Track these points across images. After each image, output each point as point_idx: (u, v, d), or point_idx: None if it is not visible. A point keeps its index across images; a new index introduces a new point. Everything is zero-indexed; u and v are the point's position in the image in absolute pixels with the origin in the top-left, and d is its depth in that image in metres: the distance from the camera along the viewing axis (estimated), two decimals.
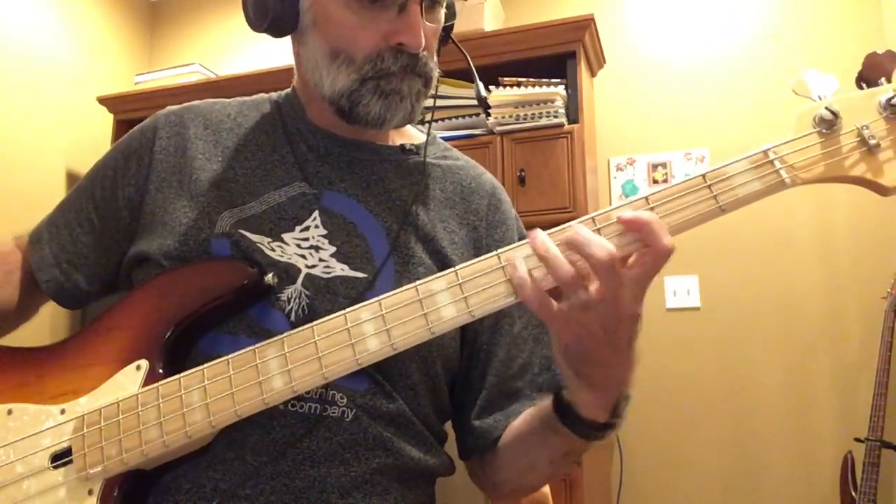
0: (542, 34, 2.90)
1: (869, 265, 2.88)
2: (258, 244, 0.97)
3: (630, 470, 3.02)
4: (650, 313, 3.05)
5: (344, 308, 0.85)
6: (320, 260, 0.97)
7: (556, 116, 2.80)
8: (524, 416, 1.02)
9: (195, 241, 0.98)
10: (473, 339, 1.07)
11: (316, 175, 1.04)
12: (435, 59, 1.03)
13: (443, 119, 2.94)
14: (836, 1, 3.08)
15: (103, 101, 3.62)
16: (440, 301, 0.81)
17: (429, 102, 1.05)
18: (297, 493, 0.89)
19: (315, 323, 0.84)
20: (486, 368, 1.06)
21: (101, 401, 0.90)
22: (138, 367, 0.91)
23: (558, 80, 2.85)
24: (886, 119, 0.77)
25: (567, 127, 2.80)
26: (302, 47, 1.04)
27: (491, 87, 2.87)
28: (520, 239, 1.12)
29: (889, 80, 0.78)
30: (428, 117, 1.14)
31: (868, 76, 0.79)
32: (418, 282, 0.82)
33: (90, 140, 3.64)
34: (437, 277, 0.82)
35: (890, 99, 0.76)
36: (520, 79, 2.86)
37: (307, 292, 0.94)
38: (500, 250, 0.80)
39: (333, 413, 0.91)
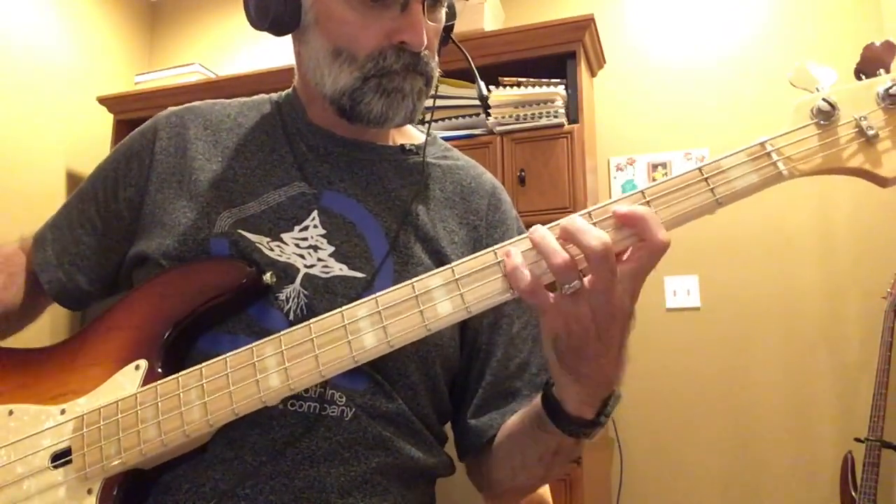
0: (542, 34, 2.90)
1: (869, 265, 2.87)
2: (257, 244, 0.97)
3: (630, 470, 3.02)
4: (650, 313, 3.06)
5: None
6: (319, 260, 0.97)
7: (556, 116, 2.80)
8: (518, 415, 1.01)
9: (194, 240, 0.98)
10: (473, 338, 1.07)
11: (315, 175, 1.04)
12: (436, 58, 1.03)
13: (443, 119, 2.94)
14: (836, 1, 3.08)
15: (103, 101, 3.62)
16: (436, 297, 0.80)
17: (429, 102, 1.05)
18: (296, 492, 0.88)
19: (312, 321, 0.84)
20: (483, 368, 1.06)
21: (101, 400, 0.90)
22: (137, 367, 0.91)
23: (558, 80, 2.85)
24: (885, 109, 0.76)
25: (567, 127, 2.80)
26: (303, 46, 1.04)
27: (491, 87, 2.87)
28: None
29: (887, 71, 0.78)
30: (428, 117, 1.14)
31: (866, 67, 0.79)
32: (414, 279, 0.82)
33: (90, 140, 3.64)
34: (433, 274, 0.82)
35: (888, 89, 0.76)
36: (520, 79, 2.86)
37: (306, 292, 0.95)
38: (496, 246, 0.80)
39: (332, 412, 0.91)
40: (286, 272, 0.95)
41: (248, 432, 0.89)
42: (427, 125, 1.14)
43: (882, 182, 0.76)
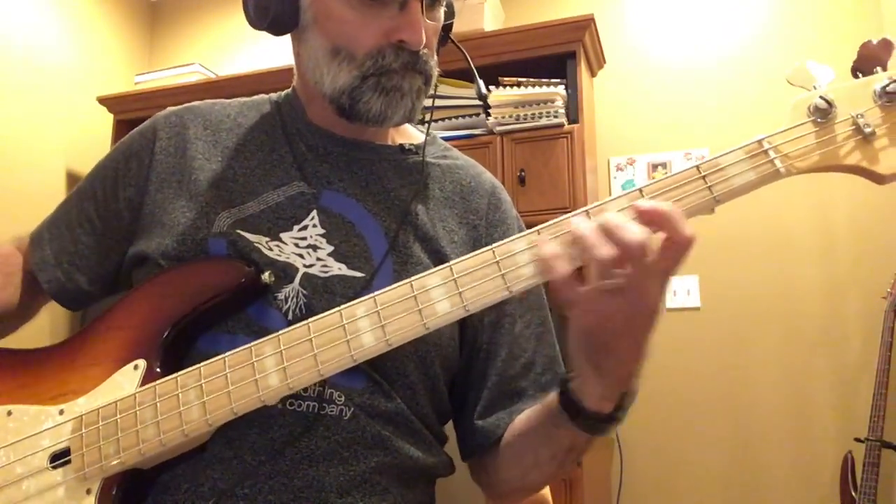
0: (542, 34, 2.90)
1: (869, 265, 2.88)
2: (256, 244, 0.97)
3: (630, 470, 3.02)
4: None
5: None
6: (318, 259, 0.97)
7: (556, 116, 2.80)
8: (527, 414, 1.01)
9: (193, 240, 0.98)
10: (473, 337, 1.06)
11: (315, 174, 1.04)
12: (435, 57, 1.03)
13: (443, 119, 2.94)
14: (836, 1, 3.08)
15: (103, 101, 3.63)
16: (435, 296, 0.80)
17: (428, 102, 1.05)
18: (295, 492, 0.88)
19: (310, 320, 0.84)
20: (487, 368, 1.06)
21: (100, 401, 0.90)
22: (136, 367, 0.91)
23: (558, 80, 2.85)
24: (881, 107, 0.76)
25: (567, 127, 2.81)
26: (302, 45, 1.04)
27: (491, 87, 2.87)
28: None
29: (884, 69, 0.78)
30: (427, 117, 1.14)
31: (863, 65, 0.79)
32: (413, 277, 0.82)
33: (90, 140, 3.65)
34: (431, 273, 0.82)
35: (885, 87, 0.76)
36: (520, 79, 2.87)
37: (305, 291, 0.94)
38: (495, 244, 0.80)
39: (331, 411, 0.91)
40: (285, 272, 0.95)
41: (247, 432, 0.89)
42: (427, 125, 1.14)
43: (879, 179, 0.76)
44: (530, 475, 1.01)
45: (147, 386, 0.88)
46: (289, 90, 1.15)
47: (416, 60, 0.98)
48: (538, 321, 1.10)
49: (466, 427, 1.07)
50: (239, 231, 0.98)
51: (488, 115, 2.87)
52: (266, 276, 0.93)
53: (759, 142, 0.77)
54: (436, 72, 1.03)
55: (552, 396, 0.91)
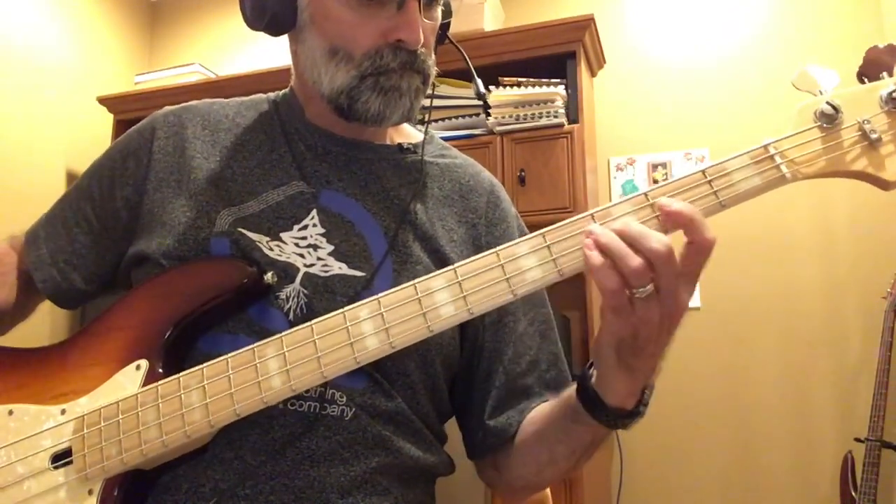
0: (542, 34, 2.91)
1: (869, 265, 2.88)
2: (257, 243, 0.97)
3: (630, 470, 3.02)
4: None
5: (342, 307, 0.85)
6: (318, 259, 0.97)
7: (556, 116, 2.80)
8: (541, 412, 1.01)
9: (194, 240, 0.98)
10: (474, 337, 1.06)
11: (314, 174, 1.04)
12: (433, 56, 1.03)
13: (443, 119, 2.94)
14: (836, 1, 3.08)
15: (103, 101, 3.63)
16: (439, 299, 0.80)
17: (426, 101, 1.05)
18: (296, 492, 0.88)
19: (314, 322, 0.84)
20: (493, 367, 1.06)
21: (101, 401, 0.90)
22: (138, 367, 0.91)
23: (558, 80, 2.85)
24: (888, 113, 0.76)
25: (567, 127, 2.81)
26: (300, 45, 1.04)
27: (491, 87, 2.87)
28: (521, 236, 1.12)
29: (890, 74, 0.78)
30: (426, 117, 1.14)
31: (869, 70, 0.79)
32: (417, 280, 0.82)
33: (90, 140, 3.65)
34: (435, 275, 0.81)
35: (891, 93, 0.76)
36: (520, 79, 2.87)
37: (305, 291, 0.94)
38: (498, 248, 0.80)
39: (333, 412, 0.91)
40: (286, 271, 0.95)
41: (248, 432, 0.89)
42: (425, 124, 1.14)
43: (884, 185, 0.77)
44: (546, 471, 1.01)
45: (149, 386, 0.88)
46: (286, 90, 1.15)
47: (414, 60, 0.98)
48: (541, 319, 1.10)
49: (476, 427, 1.07)
50: (240, 230, 0.98)
51: (488, 115, 2.87)
52: (269, 277, 0.93)
53: (766, 147, 0.77)
54: (434, 71, 1.03)
55: (569, 394, 0.91)
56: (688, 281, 0.76)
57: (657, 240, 0.73)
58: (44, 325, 3.24)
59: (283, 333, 0.84)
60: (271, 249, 0.97)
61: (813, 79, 0.80)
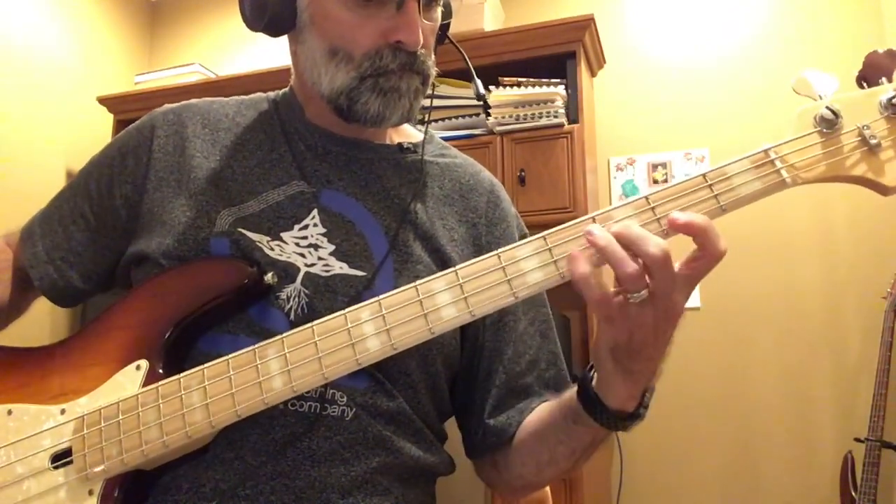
0: (542, 34, 2.91)
1: (869, 265, 2.88)
2: (257, 243, 0.97)
3: (630, 470, 3.02)
4: None
5: (343, 306, 0.85)
6: (319, 258, 0.97)
7: (556, 116, 2.80)
8: (541, 412, 1.01)
9: (194, 240, 0.98)
10: (474, 336, 1.06)
11: (314, 173, 1.04)
12: (432, 57, 1.03)
13: (443, 119, 2.94)
14: (836, 1, 3.08)
15: (103, 101, 3.63)
16: (440, 301, 0.80)
17: (426, 102, 1.05)
18: (297, 493, 0.88)
19: (315, 323, 0.84)
20: (493, 366, 1.06)
21: (101, 401, 0.90)
22: (138, 367, 0.91)
23: (558, 80, 2.85)
24: (887, 118, 0.76)
25: (567, 127, 2.81)
26: (299, 46, 1.04)
27: (491, 87, 2.87)
28: (521, 236, 1.12)
29: (889, 80, 0.78)
30: (426, 116, 1.14)
31: (868, 75, 0.79)
32: (418, 281, 0.82)
33: (90, 140, 3.64)
34: (436, 277, 0.82)
35: (891, 98, 0.76)
36: (520, 79, 2.87)
37: (306, 291, 0.94)
38: (500, 250, 0.80)
39: (333, 412, 0.91)
40: (287, 271, 0.95)
41: (249, 432, 0.89)
42: (425, 124, 1.15)
43: (883, 191, 0.77)
44: (545, 471, 1.01)
45: (150, 387, 0.88)
46: (286, 89, 1.15)
47: (414, 61, 0.98)
48: (541, 318, 1.10)
49: (475, 426, 1.07)
50: (241, 230, 0.98)
51: (488, 115, 2.87)
52: (269, 277, 0.93)
53: (766, 151, 0.77)
54: (433, 72, 1.02)
55: (570, 395, 0.91)
56: (687, 285, 0.76)
57: (655, 244, 0.73)
58: (44, 324, 3.23)
59: (285, 334, 0.84)
60: (272, 249, 0.97)
61: (813, 83, 0.80)
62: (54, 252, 1.10)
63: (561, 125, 2.80)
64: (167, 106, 1.13)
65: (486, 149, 2.85)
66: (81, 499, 0.87)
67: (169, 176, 1.04)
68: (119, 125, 3.58)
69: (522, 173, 2.78)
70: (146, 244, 1.01)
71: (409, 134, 1.16)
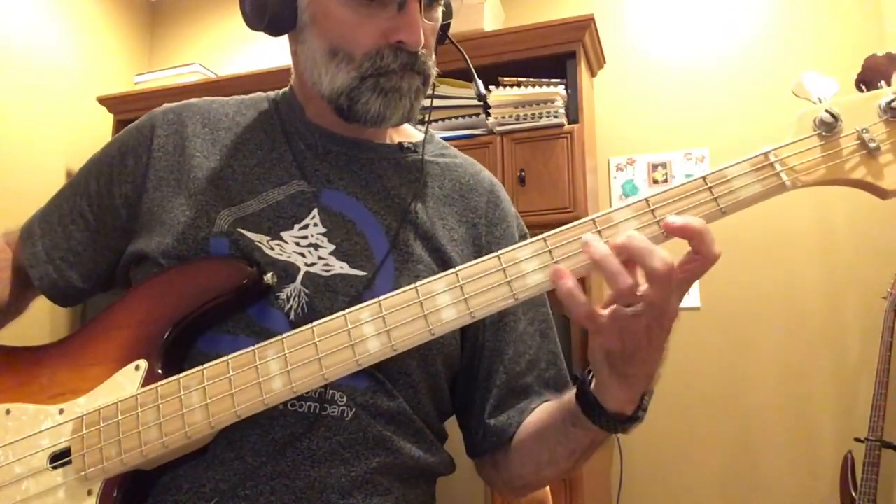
0: (542, 34, 2.90)
1: (869, 265, 2.88)
2: (257, 243, 0.97)
3: (630, 470, 3.02)
4: None
5: (344, 306, 0.85)
6: (319, 258, 0.97)
7: (556, 116, 2.80)
8: (541, 412, 1.02)
9: (194, 239, 0.98)
10: (474, 336, 1.06)
11: (314, 173, 1.04)
12: (433, 57, 1.03)
13: (443, 119, 2.94)
14: (836, 1, 3.08)
15: (103, 101, 3.62)
16: (441, 302, 0.80)
17: (426, 102, 1.05)
18: (297, 493, 0.88)
19: (315, 324, 0.84)
20: (493, 366, 1.06)
21: (100, 401, 0.90)
22: (137, 367, 0.91)
23: (558, 80, 2.85)
24: (886, 122, 0.77)
25: (567, 127, 2.80)
26: (300, 46, 1.04)
27: (491, 87, 2.86)
28: (521, 236, 1.12)
29: (889, 83, 0.78)
30: (426, 116, 1.14)
31: (867, 78, 0.79)
32: (419, 283, 0.82)
33: (90, 140, 3.63)
34: (437, 278, 0.82)
35: (890, 102, 0.76)
36: (520, 79, 2.86)
37: (307, 291, 0.94)
38: (500, 251, 0.80)
39: (333, 412, 0.91)
40: (287, 271, 0.95)
41: (249, 433, 0.89)
42: (426, 124, 1.15)
43: (882, 194, 0.77)
44: (545, 471, 1.01)
45: (149, 387, 0.88)
46: (286, 89, 1.15)
47: (415, 61, 0.98)
48: (541, 318, 1.10)
49: (476, 426, 1.07)
50: (240, 230, 0.98)
51: (488, 115, 2.87)
52: (269, 277, 0.93)
53: (766, 154, 0.78)
54: (434, 72, 1.02)
55: (569, 398, 0.91)
56: (681, 289, 0.76)
57: (660, 258, 0.72)
58: (44, 324, 3.23)
59: (284, 335, 0.85)
60: (272, 249, 0.97)
61: (812, 86, 0.80)
62: (54, 252, 1.10)
63: (561, 125, 2.80)
64: (167, 105, 1.12)
65: (486, 149, 2.84)
66: (80, 499, 0.87)
67: (169, 175, 1.04)
68: (119, 125, 3.58)
69: (522, 173, 2.78)
70: (145, 244, 1.01)
71: (409, 134, 1.16)
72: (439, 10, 1.03)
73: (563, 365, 1.11)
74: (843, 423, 2.84)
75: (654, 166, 3.23)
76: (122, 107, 3.60)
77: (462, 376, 1.08)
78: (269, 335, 0.86)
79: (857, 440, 2.63)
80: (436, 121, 2.91)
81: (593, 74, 3.16)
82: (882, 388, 2.59)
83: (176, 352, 0.92)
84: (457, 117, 2.94)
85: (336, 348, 0.82)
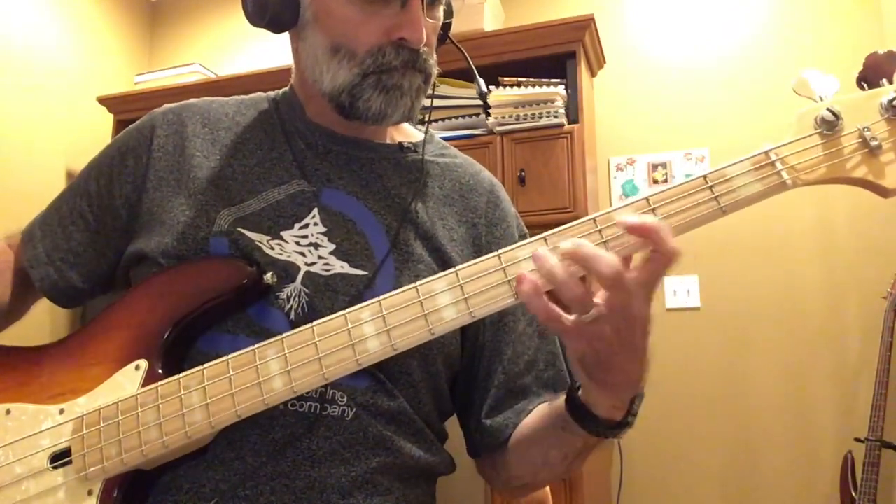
0: (542, 34, 2.90)
1: (869, 265, 2.88)
2: (257, 242, 0.97)
3: (630, 470, 3.02)
4: None
5: (344, 306, 0.85)
6: (319, 257, 0.97)
7: (556, 116, 2.80)
8: (537, 414, 1.01)
9: (193, 239, 0.98)
10: (474, 336, 1.06)
11: (315, 172, 1.04)
12: (434, 56, 1.03)
13: (443, 119, 2.94)
14: (836, 1, 3.08)
15: (103, 101, 3.62)
16: (441, 302, 0.80)
17: (427, 101, 1.05)
18: (297, 493, 0.88)
19: (315, 323, 0.83)
20: (492, 366, 1.06)
21: (100, 401, 0.89)
22: (137, 367, 0.91)
23: (558, 80, 2.85)
24: (888, 120, 0.76)
25: (567, 127, 2.80)
26: (301, 43, 1.04)
27: (491, 87, 2.86)
28: (520, 236, 1.12)
29: (890, 81, 0.78)
30: (426, 116, 1.14)
31: (869, 76, 0.79)
32: (419, 282, 0.82)
33: (90, 140, 3.64)
34: (437, 278, 0.81)
35: (891, 100, 0.76)
36: (520, 79, 2.86)
37: (307, 290, 0.94)
38: (500, 251, 0.80)
39: (333, 412, 0.91)
40: (287, 271, 0.95)
41: (249, 433, 0.89)
42: (426, 124, 1.14)
43: (884, 192, 0.77)
44: (541, 473, 1.02)
45: (149, 387, 0.87)
46: (286, 88, 1.15)
47: (417, 58, 0.98)
48: None
49: (474, 426, 1.07)
50: (240, 229, 0.97)
51: (488, 115, 2.87)
52: (268, 277, 0.93)
53: (766, 153, 0.77)
54: (435, 70, 1.02)
55: (560, 402, 0.91)
56: (644, 290, 0.75)
57: (606, 263, 0.72)
58: (44, 324, 3.23)
59: (284, 335, 0.84)
60: (272, 248, 0.97)
61: (813, 85, 0.80)
62: (54, 253, 1.10)
63: (561, 125, 2.80)
64: (167, 106, 1.13)
65: (486, 149, 2.84)
66: (80, 499, 0.87)
67: (168, 175, 1.04)
68: (119, 125, 3.58)
69: (522, 173, 2.78)
70: (145, 243, 1.01)
71: (409, 133, 1.16)
72: (441, 10, 1.03)
73: (563, 366, 1.10)
74: (843, 423, 2.84)
75: (654, 166, 3.22)
76: (122, 107, 3.60)
77: (462, 376, 1.08)
78: (268, 335, 0.86)
79: (857, 440, 2.63)
80: (436, 121, 2.91)
81: (593, 74, 3.16)
82: (882, 388, 2.59)
83: (176, 351, 0.92)
84: (457, 117, 2.94)
85: (336, 348, 0.82)
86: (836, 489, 2.69)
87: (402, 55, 0.96)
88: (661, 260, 0.73)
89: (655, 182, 3.20)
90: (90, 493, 0.87)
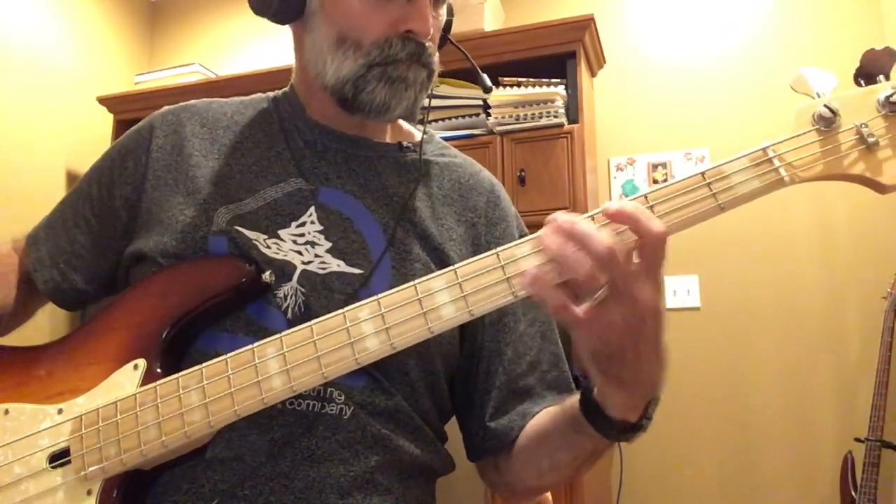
0: (542, 34, 2.90)
1: (869, 265, 2.87)
2: (254, 241, 0.97)
3: (630, 470, 3.02)
4: None
5: (339, 304, 0.85)
6: (316, 256, 0.97)
7: (556, 116, 2.79)
8: (545, 416, 1.00)
9: (192, 238, 0.98)
10: (473, 336, 1.06)
11: (312, 171, 1.04)
12: (437, 54, 1.03)
13: (443, 119, 2.94)
14: (836, 1, 3.08)
15: (103, 101, 3.62)
16: (439, 300, 0.80)
17: (426, 102, 1.05)
18: (296, 493, 0.88)
19: (314, 322, 0.83)
20: (492, 367, 1.05)
21: (99, 400, 0.89)
22: (136, 367, 0.91)
23: (558, 80, 2.85)
24: (885, 117, 0.76)
25: (567, 127, 2.80)
26: (306, 34, 1.04)
27: (491, 87, 2.85)
28: (520, 236, 1.12)
29: (887, 77, 0.78)
30: (425, 115, 1.14)
31: (866, 73, 0.79)
32: (417, 280, 0.81)
33: (90, 140, 3.64)
34: (435, 276, 0.81)
35: (889, 97, 0.76)
36: (520, 79, 2.86)
37: (303, 289, 0.94)
38: (498, 248, 0.80)
39: (331, 411, 0.91)
40: (283, 270, 0.95)
41: (248, 432, 0.89)
42: (425, 123, 1.15)
43: (881, 189, 0.77)
44: (547, 476, 1.00)
45: (148, 386, 0.87)
46: (287, 88, 1.15)
47: (422, 52, 0.98)
48: (541, 319, 1.10)
49: (477, 428, 1.06)
50: (237, 227, 0.98)
51: (488, 115, 2.87)
52: (267, 276, 0.93)
53: (764, 150, 0.77)
54: (437, 68, 1.03)
55: (572, 403, 0.90)
56: (646, 276, 0.73)
57: (598, 241, 0.71)
58: (44, 325, 3.21)
59: (283, 333, 0.84)
60: (269, 247, 0.97)
61: (811, 81, 0.80)
62: (58, 255, 1.10)
63: (561, 125, 2.80)
64: (166, 107, 1.13)
65: (486, 149, 2.84)
66: (80, 499, 0.87)
67: (167, 175, 1.04)
68: (119, 125, 3.58)
69: (522, 173, 2.78)
70: (144, 243, 1.01)
71: (408, 133, 1.17)
72: (444, 8, 1.04)
73: (566, 367, 1.10)
74: (843, 423, 2.84)
75: (654, 166, 3.22)
76: (122, 107, 3.60)
77: (460, 376, 1.08)
78: (267, 333, 0.86)
79: (857, 440, 2.63)
80: (436, 121, 2.91)
81: (593, 74, 3.16)
82: (882, 388, 2.58)
83: (174, 351, 0.92)
84: (457, 117, 2.94)
85: (335, 346, 0.82)
86: (836, 489, 2.69)
87: (408, 48, 0.97)
88: (649, 242, 0.72)
89: (655, 182, 3.20)
90: (89, 493, 0.86)
